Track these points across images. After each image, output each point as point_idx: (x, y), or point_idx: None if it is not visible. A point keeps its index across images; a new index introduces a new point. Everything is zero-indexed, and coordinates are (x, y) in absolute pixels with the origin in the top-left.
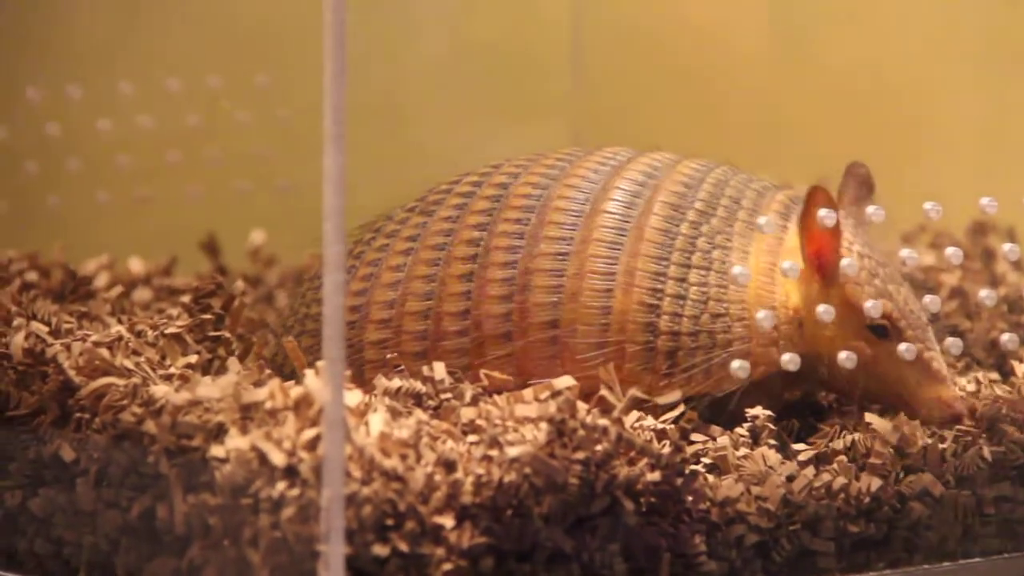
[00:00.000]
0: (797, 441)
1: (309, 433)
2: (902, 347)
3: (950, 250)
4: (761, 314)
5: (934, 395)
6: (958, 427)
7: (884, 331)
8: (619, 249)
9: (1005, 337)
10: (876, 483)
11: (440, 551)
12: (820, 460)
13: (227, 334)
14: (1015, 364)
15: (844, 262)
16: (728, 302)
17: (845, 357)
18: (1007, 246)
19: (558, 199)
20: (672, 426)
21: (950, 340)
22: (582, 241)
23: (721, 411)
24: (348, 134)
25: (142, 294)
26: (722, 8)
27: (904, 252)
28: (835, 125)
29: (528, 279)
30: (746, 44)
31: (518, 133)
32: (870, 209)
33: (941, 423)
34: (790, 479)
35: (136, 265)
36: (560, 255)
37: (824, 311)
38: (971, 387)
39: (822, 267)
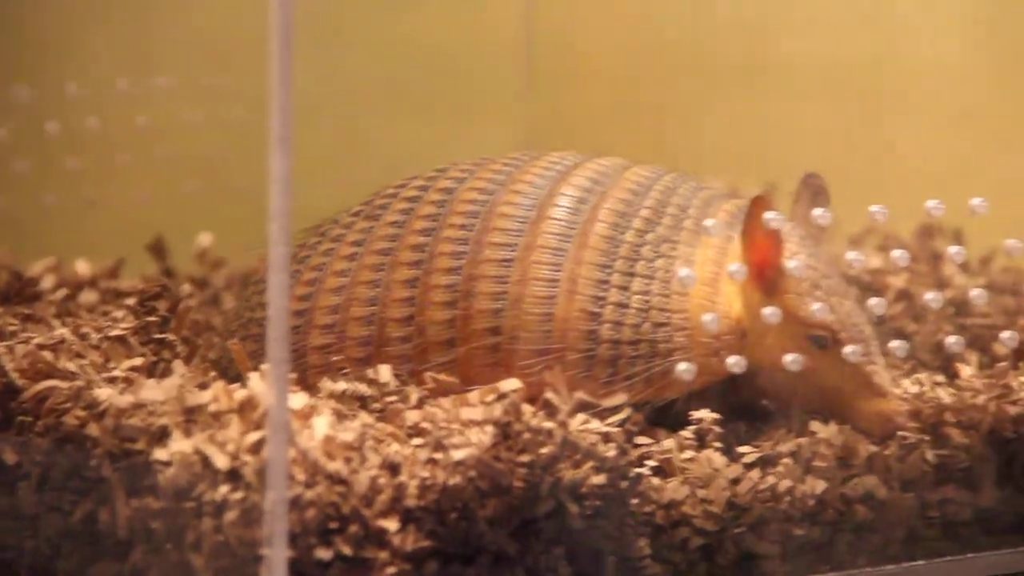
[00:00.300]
0: (742, 444)
1: (253, 436)
2: (847, 349)
3: (896, 253)
4: (707, 316)
5: (874, 408)
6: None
7: (824, 342)
8: (563, 256)
9: (951, 339)
10: (821, 486)
11: (384, 554)
12: (765, 463)
13: (172, 336)
14: (960, 366)
15: (790, 264)
16: (670, 311)
17: (791, 360)
18: (953, 249)
19: (503, 205)
20: (618, 429)
21: (895, 343)
22: (526, 247)
23: (664, 416)
24: (298, 135)
25: (88, 296)
26: (670, 13)
27: (851, 255)
28: (786, 129)
29: (472, 285)
30: (696, 49)
31: (469, 135)
32: (816, 212)
33: (880, 437)
34: (735, 481)
35: (83, 267)
36: (504, 262)
37: (771, 313)
38: (915, 389)
39: (764, 276)
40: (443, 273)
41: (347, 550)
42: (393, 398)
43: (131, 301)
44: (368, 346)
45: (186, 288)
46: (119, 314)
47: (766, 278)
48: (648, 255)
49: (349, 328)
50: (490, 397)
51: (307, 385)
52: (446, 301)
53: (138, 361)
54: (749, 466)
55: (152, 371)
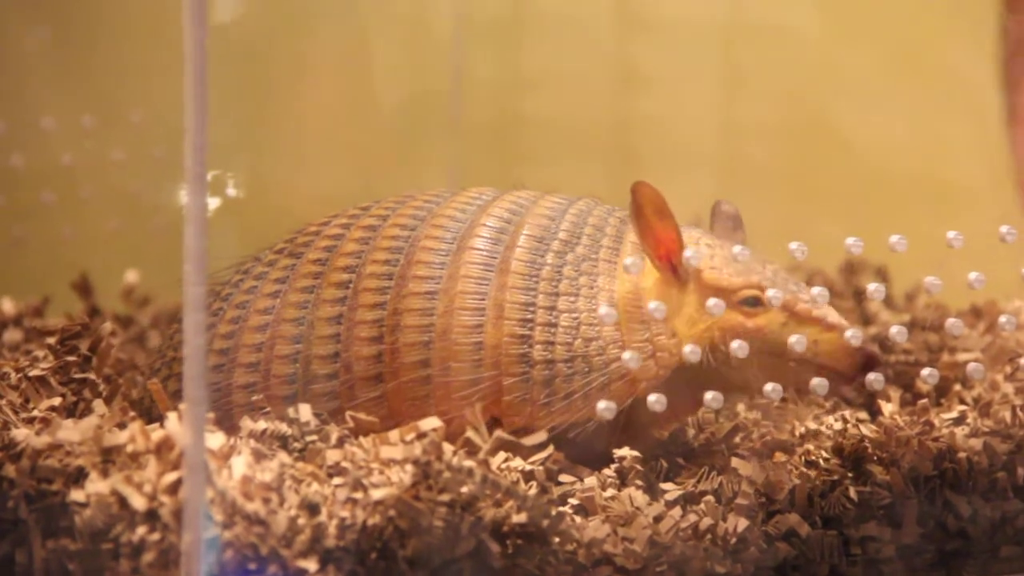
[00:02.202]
0: (664, 481)
1: (170, 477)
2: (803, 298)
3: (816, 290)
4: (652, 304)
5: (837, 346)
6: (825, 467)
7: (757, 301)
8: (487, 284)
9: (871, 377)
10: (743, 523)
11: None
12: (687, 500)
13: (93, 376)
14: (882, 403)
15: (687, 253)
16: (600, 325)
17: (737, 346)
18: (872, 286)
19: (425, 239)
20: (539, 467)
21: (816, 380)
22: (450, 279)
23: (586, 453)
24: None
25: (12, 335)
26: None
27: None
28: (712, 167)
29: (397, 319)
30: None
31: (396, 173)
32: (736, 249)
33: (859, 370)
34: (657, 520)
35: (7, 305)
36: (429, 294)
37: (714, 305)
38: (838, 426)
39: (668, 259)
40: (368, 309)
41: None
42: (313, 437)
43: (52, 340)
44: (294, 384)
45: (107, 327)
46: (40, 353)
47: (675, 267)
48: (570, 274)
49: (274, 366)
50: (410, 436)
51: (232, 424)
52: (372, 337)
53: (57, 401)
54: (671, 504)
55: (73, 411)
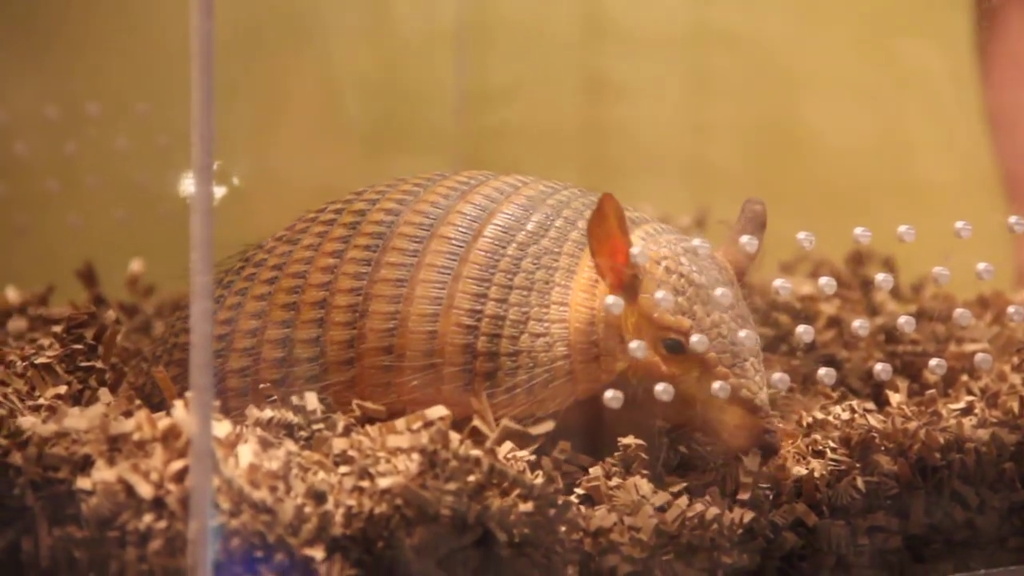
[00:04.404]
0: (669, 471)
1: (177, 464)
2: (694, 339)
3: (823, 280)
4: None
5: (738, 422)
6: (833, 457)
7: (679, 347)
8: (449, 274)
9: (878, 367)
10: (749, 514)
11: None
12: (693, 490)
13: (99, 364)
14: (889, 393)
15: (644, 264)
16: (549, 322)
17: (636, 346)
18: (880, 276)
19: (404, 225)
20: (545, 457)
21: (823, 370)
22: (418, 266)
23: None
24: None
25: (17, 323)
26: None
27: (777, 282)
28: (683, 171)
29: (368, 305)
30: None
31: (402, 163)
32: (744, 239)
33: (744, 450)
34: (663, 509)
35: (12, 294)
36: (398, 281)
37: (613, 303)
38: (845, 415)
39: (613, 272)
40: (345, 294)
41: None
42: (320, 426)
43: (58, 329)
44: (282, 368)
45: (110, 315)
46: (45, 342)
47: (620, 278)
48: (528, 267)
49: (265, 351)
50: (417, 424)
51: (227, 408)
52: (346, 321)
53: (63, 389)
54: (677, 494)
55: (79, 399)
